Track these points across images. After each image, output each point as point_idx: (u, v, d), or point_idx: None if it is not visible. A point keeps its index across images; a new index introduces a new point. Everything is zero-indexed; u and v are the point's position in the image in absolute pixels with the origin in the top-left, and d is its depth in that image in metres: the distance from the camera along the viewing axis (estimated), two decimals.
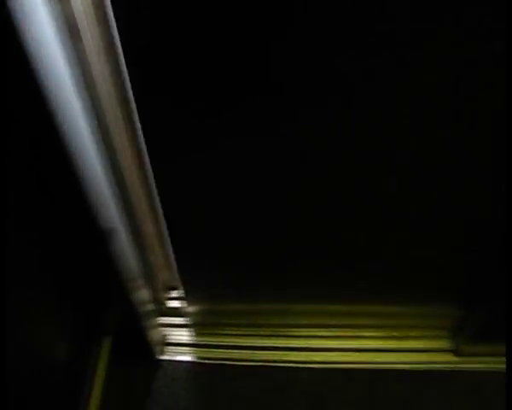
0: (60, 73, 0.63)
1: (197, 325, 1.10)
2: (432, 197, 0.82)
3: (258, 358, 1.07)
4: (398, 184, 0.80)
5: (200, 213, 0.87)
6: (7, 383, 0.68)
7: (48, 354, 0.86)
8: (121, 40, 0.66)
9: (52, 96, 0.65)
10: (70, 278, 0.91)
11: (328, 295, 1.02)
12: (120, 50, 0.67)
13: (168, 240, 0.93)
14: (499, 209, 0.81)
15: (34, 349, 0.82)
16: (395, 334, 1.06)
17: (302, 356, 1.07)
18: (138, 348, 1.05)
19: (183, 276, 1.00)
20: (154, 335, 1.05)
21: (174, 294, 1.11)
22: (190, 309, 1.07)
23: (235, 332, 1.09)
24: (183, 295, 1.04)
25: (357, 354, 1.07)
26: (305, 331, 1.09)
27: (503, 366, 1.03)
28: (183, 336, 1.11)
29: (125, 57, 0.67)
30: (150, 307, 1.03)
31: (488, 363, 1.04)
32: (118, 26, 0.65)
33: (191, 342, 1.10)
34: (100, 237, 0.82)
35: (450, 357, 1.05)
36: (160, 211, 0.88)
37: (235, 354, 1.08)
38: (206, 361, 1.07)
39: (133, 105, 0.73)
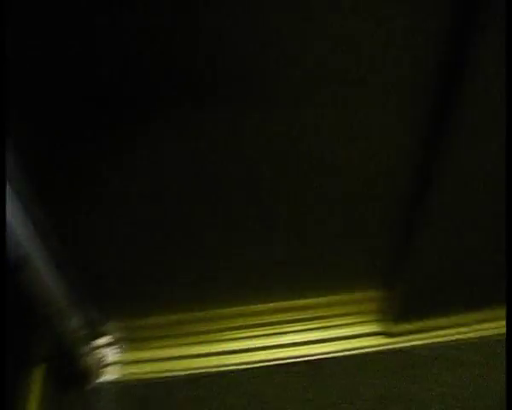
0: None
1: (129, 343, 1.09)
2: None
3: (196, 366, 1.07)
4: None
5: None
6: None
7: None
8: None
9: None
10: None
11: (253, 295, 1.04)
12: None
13: None
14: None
15: None
16: (327, 324, 1.08)
17: (239, 358, 1.08)
18: (72, 374, 1.03)
19: (98, 296, 0.99)
20: (87, 359, 1.03)
21: (100, 316, 1.09)
22: (118, 328, 1.06)
23: (169, 343, 1.08)
24: (107, 315, 1.03)
25: (294, 348, 1.09)
26: (239, 333, 1.09)
27: (433, 340, 1.08)
28: (116, 356, 1.09)
29: None
30: (80, 331, 1.01)
31: (418, 340, 1.08)
32: None
33: (124, 360, 1.09)
34: (12, 265, 0.81)
35: (381, 339, 1.08)
36: None
37: (172, 365, 1.07)
38: (143, 377, 1.06)
39: None
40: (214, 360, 1.07)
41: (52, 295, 0.89)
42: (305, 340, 1.08)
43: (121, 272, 0.97)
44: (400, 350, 1.07)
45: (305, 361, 1.07)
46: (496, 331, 1.08)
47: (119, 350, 1.09)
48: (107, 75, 0.67)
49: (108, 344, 1.09)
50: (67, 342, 0.97)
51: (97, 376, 1.06)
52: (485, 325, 1.08)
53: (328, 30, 0.66)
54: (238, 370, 1.07)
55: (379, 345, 1.07)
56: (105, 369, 1.07)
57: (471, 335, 1.08)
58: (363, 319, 1.08)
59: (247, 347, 1.08)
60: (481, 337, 1.08)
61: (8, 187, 0.72)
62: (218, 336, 1.09)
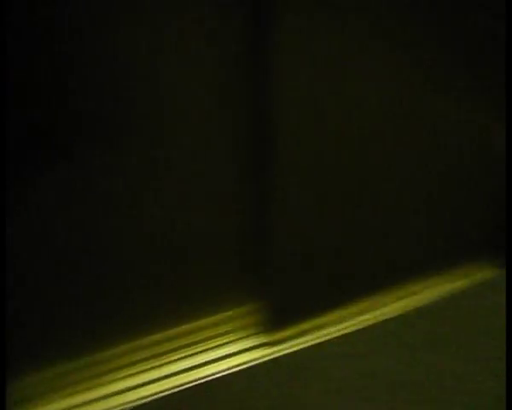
0: None
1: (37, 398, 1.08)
2: None
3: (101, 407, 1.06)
4: None
5: None
6: None
7: None
8: None
9: None
10: None
11: (134, 330, 1.05)
12: None
13: None
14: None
15: None
16: (211, 345, 1.09)
17: (130, 396, 1.07)
18: None
19: None
20: None
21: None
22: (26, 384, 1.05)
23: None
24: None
25: (184, 374, 1.09)
26: (127, 371, 1.09)
27: (316, 339, 1.09)
28: None
29: None
30: None
31: (303, 342, 1.09)
32: None
33: None
34: None
35: (265, 350, 1.09)
36: None
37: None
38: None
39: None
40: (102, 405, 1.06)
41: None
42: (193, 365, 1.09)
43: None
44: (286, 356, 1.08)
45: (195, 386, 1.07)
46: (379, 318, 1.11)
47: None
48: None
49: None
50: None
51: None
52: (365, 316, 1.10)
53: None
54: (141, 405, 1.06)
55: (264, 356, 1.08)
56: None
57: (353, 327, 1.10)
58: (245, 334, 1.09)
59: (135, 384, 1.08)
60: (363, 329, 1.10)
61: None
62: (106, 378, 1.08)
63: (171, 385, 1.08)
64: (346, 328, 1.09)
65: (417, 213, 1.10)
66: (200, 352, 1.09)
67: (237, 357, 1.08)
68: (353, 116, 0.96)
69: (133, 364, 1.09)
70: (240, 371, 1.07)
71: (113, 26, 0.72)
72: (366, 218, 1.05)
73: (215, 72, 0.82)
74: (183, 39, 0.78)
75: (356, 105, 0.95)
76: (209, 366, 1.08)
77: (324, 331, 1.09)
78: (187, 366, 1.09)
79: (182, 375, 1.09)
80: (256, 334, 1.09)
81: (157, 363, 1.09)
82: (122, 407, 1.05)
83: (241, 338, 1.09)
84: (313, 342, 1.09)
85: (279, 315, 1.04)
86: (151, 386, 1.08)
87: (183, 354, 1.09)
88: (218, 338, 1.08)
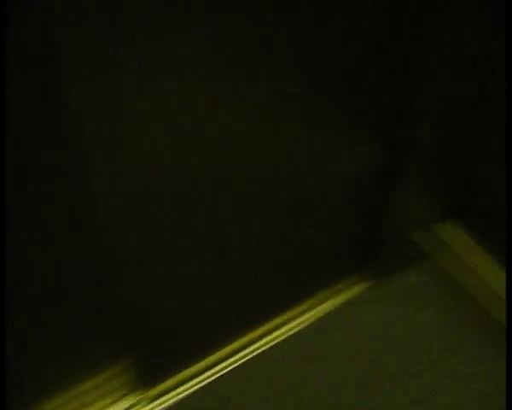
0: None
1: None
2: None
3: None
4: None
5: None
6: None
7: None
8: None
9: None
10: None
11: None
12: None
13: None
14: None
15: None
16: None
17: None
18: None
19: None
20: None
21: None
22: None
23: None
24: None
25: None
26: None
27: (191, 389, 1.13)
28: None
29: None
30: None
31: (181, 392, 1.13)
32: None
33: None
34: None
35: (146, 407, 1.12)
36: None
37: None
38: None
39: None
40: None
41: None
42: None
43: None
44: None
45: None
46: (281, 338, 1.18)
47: None
48: None
49: None
50: None
51: None
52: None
53: None
54: None
55: None
56: None
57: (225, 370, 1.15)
58: (122, 393, 1.11)
59: None
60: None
61: None
62: None
63: None
64: (229, 366, 1.15)
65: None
66: None
67: None
68: None
69: None
70: None
71: None
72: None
73: None
74: None
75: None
76: None
77: (199, 378, 1.13)
78: None
79: None
80: (133, 392, 1.12)
81: None
82: None
83: (120, 398, 1.11)
84: (189, 391, 1.13)
85: (151, 371, 1.08)
86: None
87: None
88: (98, 402, 1.11)
